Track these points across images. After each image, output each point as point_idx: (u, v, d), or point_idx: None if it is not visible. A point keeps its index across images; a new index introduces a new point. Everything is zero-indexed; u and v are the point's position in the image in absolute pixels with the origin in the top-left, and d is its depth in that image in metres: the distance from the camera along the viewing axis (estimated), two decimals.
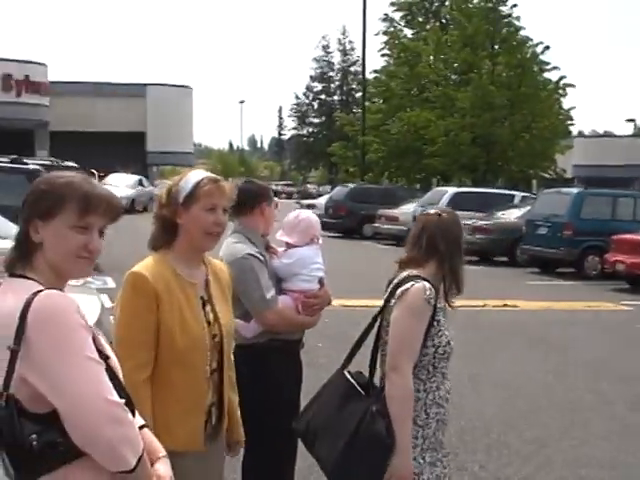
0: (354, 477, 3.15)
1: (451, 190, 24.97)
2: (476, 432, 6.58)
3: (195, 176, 2.96)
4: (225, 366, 3.01)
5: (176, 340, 2.80)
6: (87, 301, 4.95)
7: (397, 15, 46.12)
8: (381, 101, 42.20)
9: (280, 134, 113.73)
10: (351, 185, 31.62)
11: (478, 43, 36.56)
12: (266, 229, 4.04)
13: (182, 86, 55.92)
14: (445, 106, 36.44)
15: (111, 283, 11.35)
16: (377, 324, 3.34)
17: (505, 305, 13.35)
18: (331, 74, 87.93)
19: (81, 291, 5.69)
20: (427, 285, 3.17)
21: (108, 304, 6.75)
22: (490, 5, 37.08)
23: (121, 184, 32.29)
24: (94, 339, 2.14)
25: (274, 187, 75.92)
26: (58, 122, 44.98)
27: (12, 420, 2.01)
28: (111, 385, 2.07)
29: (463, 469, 5.74)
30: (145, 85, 52.75)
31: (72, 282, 2.37)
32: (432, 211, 3.39)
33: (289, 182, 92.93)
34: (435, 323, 3.18)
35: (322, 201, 32.23)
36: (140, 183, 36.86)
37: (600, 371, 8.93)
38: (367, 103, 41.60)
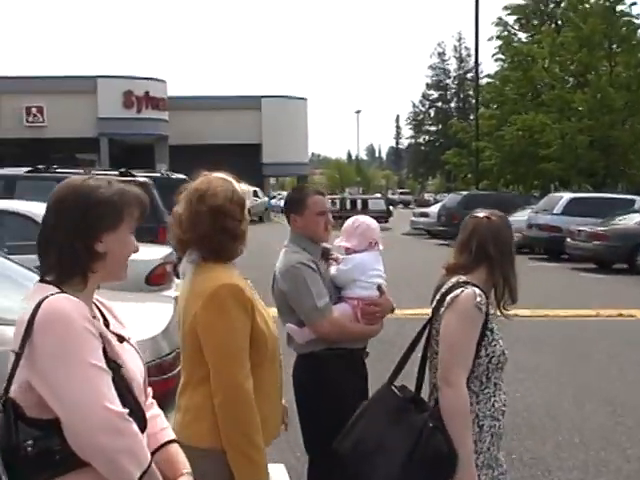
0: None
1: (567, 196, 24.10)
2: (574, 448, 6.23)
3: (235, 183, 2.95)
4: None
5: (267, 341, 2.86)
6: (159, 308, 4.98)
7: (511, 19, 45.29)
8: (495, 107, 41.44)
9: (397, 143, 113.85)
10: (464, 192, 31.11)
11: (595, 43, 35.29)
12: (317, 237, 3.91)
13: (297, 97, 56.65)
14: (561, 109, 35.38)
15: None
16: (425, 334, 3.17)
17: (620, 315, 12.70)
18: (447, 81, 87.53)
19: (157, 299, 5.75)
20: (477, 291, 2.99)
21: None
22: (607, 4, 35.79)
23: None
24: (106, 346, 2.10)
25: (391, 196, 76.20)
26: (177, 136, 46.41)
27: (8, 424, 2.00)
28: (114, 394, 2.01)
29: None
30: (260, 97, 53.72)
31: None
32: (481, 214, 3.21)
33: (405, 191, 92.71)
34: (488, 332, 3.00)
35: (435, 209, 31.87)
36: (255, 194, 37.58)
37: None
38: (481, 109, 40.94)
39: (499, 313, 3.14)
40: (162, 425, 2.43)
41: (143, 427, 2.13)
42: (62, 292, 2.09)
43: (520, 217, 23.91)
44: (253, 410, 2.73)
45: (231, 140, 49.99)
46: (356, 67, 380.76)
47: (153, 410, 2.44)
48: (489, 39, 44.00)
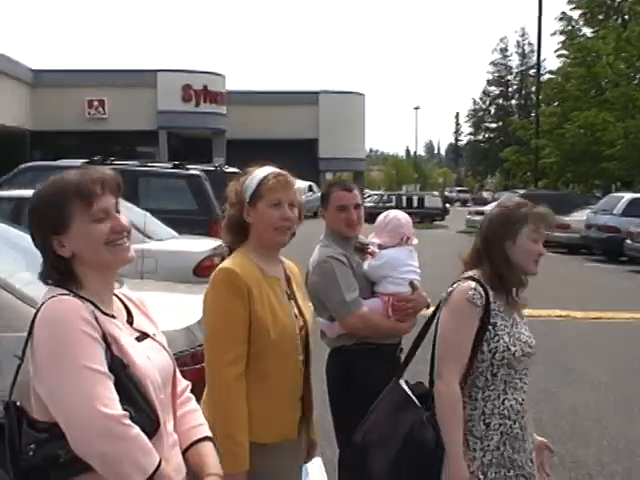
0: None
1: (628, 196, 23.49)
2: (617, 453, 6.08)
3: (260, 173, 2.93)
4: (310, 361, 3.03)
5: (269, 332, 2.79)
6: (198, 299, 4.98)
7: (575, 14, 44.42)
8: (556, 104, 40.67)
9: (457, 140, 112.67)
10: (521, 191, 30.63)
11: None
12: (340, 232, 3.87)
13: (354, 93, 56.46)
14: (625, 107, 34.52)
15: None
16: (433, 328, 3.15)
17: None
18: (509, 77, 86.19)
19: (199, 290, 5.75)
20: (472, 285, 2.94)
21: None
22: None
23: None
24: (112, 346, 2.04)
25: (447, 194, 75.48)
26: (234, 130, 46.67)
27: (11, 428, 1.98)
28: (112, 397, 1.95)
29: None
30: (317, 93, 53.69)
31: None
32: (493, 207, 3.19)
33: (463, 188, 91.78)
34: (490, 327, 2.94)
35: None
36: (310, 189, 37.65)
37: None
38: (542, 106, 40.21)
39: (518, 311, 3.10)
40: (197, 421, 2.36)
41: (155, 427, 2.06)
42: (68, 292, 2.06)
43: (579, 217, 23.51)
44: (232, 399, 2.68)
45: (288, 135, 50.14)
46: (415, 63, 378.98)
47: (189, 406, 2.37)
48: (552, 34, 43.32)
